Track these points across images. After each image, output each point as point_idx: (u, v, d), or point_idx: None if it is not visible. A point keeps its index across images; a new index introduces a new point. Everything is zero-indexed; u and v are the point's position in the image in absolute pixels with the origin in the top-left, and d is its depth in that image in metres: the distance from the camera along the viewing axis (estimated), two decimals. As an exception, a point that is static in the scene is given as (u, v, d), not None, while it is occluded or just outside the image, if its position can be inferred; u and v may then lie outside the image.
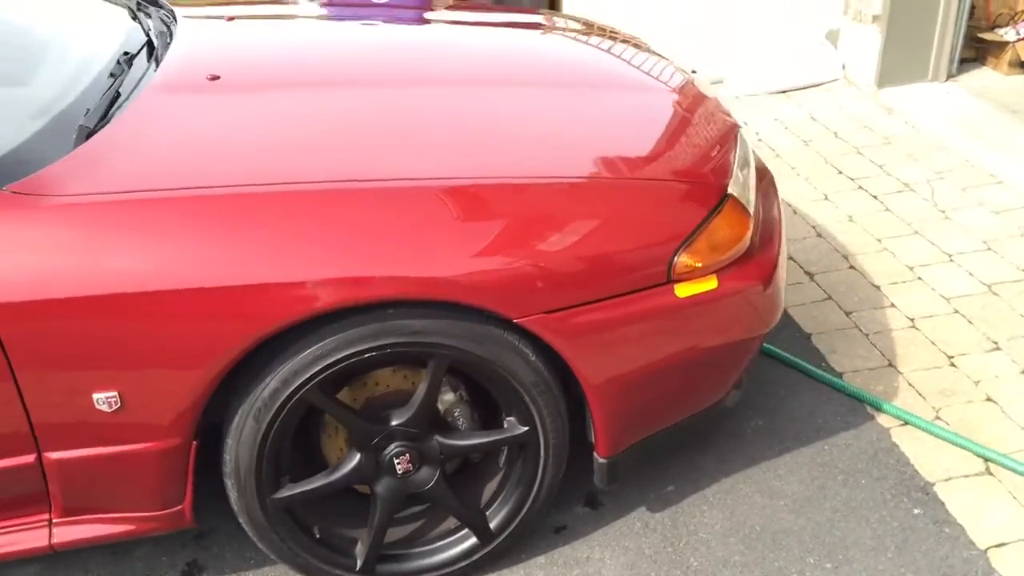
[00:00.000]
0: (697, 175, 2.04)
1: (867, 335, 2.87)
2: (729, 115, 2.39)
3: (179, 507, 1.94)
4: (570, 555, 2.19)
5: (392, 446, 1.98)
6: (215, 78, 2.21)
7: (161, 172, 1.83)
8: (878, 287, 3.10)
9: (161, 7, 2.64)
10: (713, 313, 2.00)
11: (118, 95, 2.03)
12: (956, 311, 2.94)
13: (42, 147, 1.84)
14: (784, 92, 4.84)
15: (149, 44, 2.33)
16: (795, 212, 3.60)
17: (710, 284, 1.98)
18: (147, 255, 1.72)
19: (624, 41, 2.77)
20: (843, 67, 4.93)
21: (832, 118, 4.44)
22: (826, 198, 3.70)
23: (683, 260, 1.94)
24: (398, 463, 1.99)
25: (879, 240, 3.37)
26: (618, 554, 2.18)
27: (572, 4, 5.45)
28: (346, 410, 1.93)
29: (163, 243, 1.73)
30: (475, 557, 2.10)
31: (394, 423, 1.96)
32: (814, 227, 3.49)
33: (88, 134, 1.89)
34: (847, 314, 2.97)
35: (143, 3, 2.63)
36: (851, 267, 3.22)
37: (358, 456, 1.98)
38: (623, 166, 2.01)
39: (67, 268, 1.69)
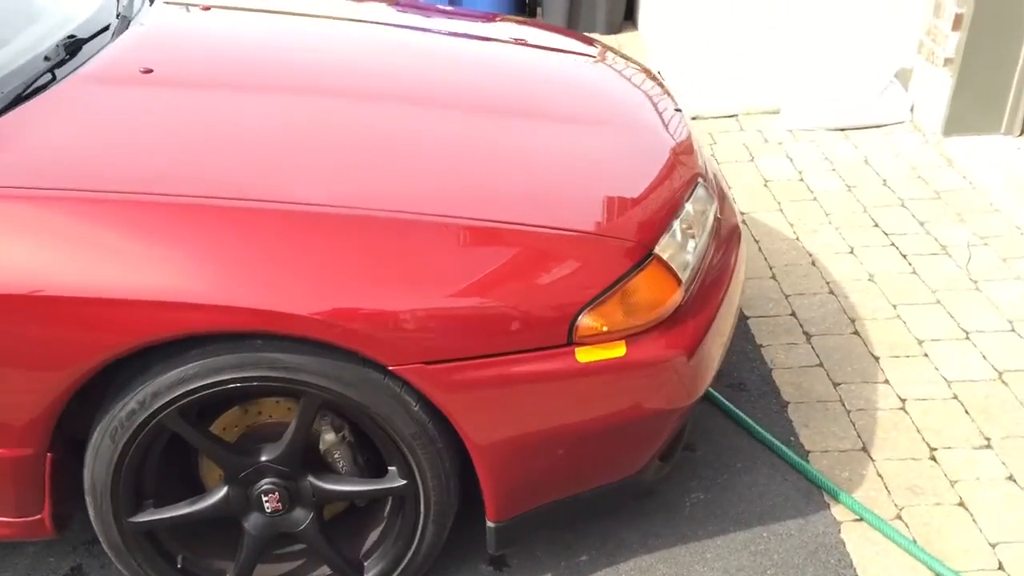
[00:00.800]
0: (619, 230, 1.85)
1: (849, 412, 2.63)
2: (696, 163, 2.18)
3: (37, 516, 1.86)
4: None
5: (263, 482, 1.86)
6: (148, 71, 2.12)
7: (34, 168, 1.74)
8: (877, 359, 2.84)
9: None
10: (620, 382, 1.82)
11: (35, 81, 1.95)
12: (955, 397, 2.67)
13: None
14: (842, 130, 4.55)
15: (105, 29, 2.26)
16: (813, 264, 3.35)
17: (617, 351, 1.80)
18: (2, 253, 1.63)
19: (630, 72, 2.57)
20: (911, 110, 4.60)
21: (886, 163, 4.14)
22: (852, 252, 3.43)
23: (587, 322, 1.76)
24: (266, 500, 1.87)
25: (894, 306, 3.10)
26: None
27: (646, 22, 5.27)
28: (209, 440, 1.82)
29: (19, 242, 1.64)
30: (345, 609, 1.97)
31: (264, 458, 1.84)
32: (828, 283, 3.24)
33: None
34: (835, 385, 2.73)
35: None
36: (855, 332, 2.97)
37: (226, 488, 1.86)
38: (533, 211, 1.83)
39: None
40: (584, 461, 1.92)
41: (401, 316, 1.68)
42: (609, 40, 5.82)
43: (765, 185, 3.96)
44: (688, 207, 2.05)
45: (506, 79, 2.40)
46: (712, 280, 2.03)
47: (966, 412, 2.62)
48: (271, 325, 1.65)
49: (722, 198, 2.30)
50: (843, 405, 2.65)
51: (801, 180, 4.01)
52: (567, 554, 2.19)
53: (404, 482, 1.85)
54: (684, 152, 2.20)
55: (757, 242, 3.52)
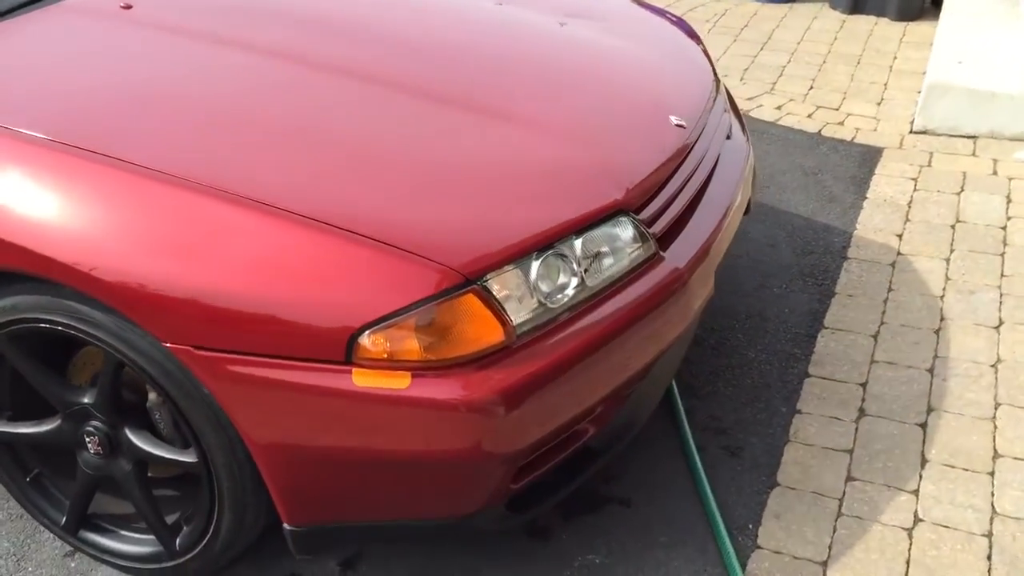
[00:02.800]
0: (436, 250, 1.63)
1: (839, 516, 2.18)
2: (617, 192, 1.86)
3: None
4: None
5: (88, 423, 1.90)
6: (128, 7, 2.18)
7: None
8: (925, 462, 2.33)
9: None
10: (400, 417, 1.63)
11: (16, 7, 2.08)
12: (988, 534, 2.13)
13: None
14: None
15: None
16: (936, 332, 2.79)
17: (400, 382, 1.61)
18: None
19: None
20: None
21: None
22: (997, 328, 2.82)
23: (368, 343, 1.59)
24: (88, 442, 1.91)
25: (998, 405, 2.51)
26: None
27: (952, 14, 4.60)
28: (38, 369, 1.87)
29: None
30: (158, 566, 1.98)
31: (85, 400, 1.87)
32: (936, 358, 2.68)
33: None
34: (847, 480, 2.28)
35: None
36: (921, 424, 2.45)
37: (59, 420, 1.93)
38: (350, 210, 1.66)
39: None
40: (383, 490, 1.75)
41: (175, 294, 1.61)
42: (895, 30, 5.12)
43: (952, 226, 3.34)
44: (577, 244, 1.76)
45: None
46: (587, 335, 1.74)
47: (988, 557, 2.07)
48: (62, 277, 1.65)
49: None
50: (839, 506, 2.21)
51: (1001, 229, 3.33)
52: (427, 569, 2.04)
53: (196, 460, 1.80)
54: (607, 173, 1.88)
55: (891, 291, 2.99)
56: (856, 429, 2.44)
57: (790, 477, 2.29)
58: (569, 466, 1.96)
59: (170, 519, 1.95)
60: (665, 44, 2.48)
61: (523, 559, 2.07)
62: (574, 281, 1.76)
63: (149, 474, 1.97)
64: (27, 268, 1.69)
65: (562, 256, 1.75)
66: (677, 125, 2.10)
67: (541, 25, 2.42)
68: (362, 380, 1.61)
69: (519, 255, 1.68)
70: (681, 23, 2.68)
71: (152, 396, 1.87)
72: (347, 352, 1.60)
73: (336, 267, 1.60)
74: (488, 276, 1.64)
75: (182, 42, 2.11)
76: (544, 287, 1.72)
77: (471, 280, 1.62)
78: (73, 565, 2.07)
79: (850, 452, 2.37)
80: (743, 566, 2.06)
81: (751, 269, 3.09)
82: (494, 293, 1.64)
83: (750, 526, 2.16)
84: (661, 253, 1.93)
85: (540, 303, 1.71)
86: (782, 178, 3.64)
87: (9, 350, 1.85)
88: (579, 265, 1.77)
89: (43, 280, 1.72)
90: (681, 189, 2.05)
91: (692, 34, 2.63)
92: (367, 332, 1.59)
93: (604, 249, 1.81)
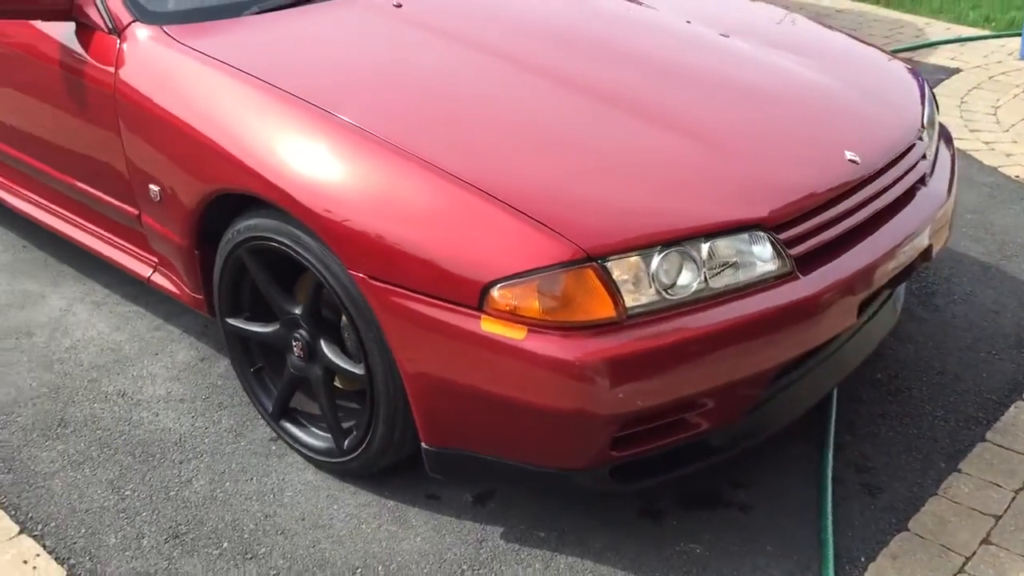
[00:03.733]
0: (568, 227, 1.89)
1: (963, 572, 2.17)
2: (760, 210, 2.02)
3: (199, 296, 2.61)
4: (398, 513, 2.32)
5: (297, 331, 2.36)
6: (398, 6, 2.64)
7: (245, 51, 2.40)
8: (1069, 545, 2.24)
9: None
10: (515, 365, 1.91)
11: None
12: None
13: (215, 11, 2.55)
14: None
15: None
16: None
17: (517, 334, 1.89)
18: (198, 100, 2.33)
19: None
20: None
21: None
22: None
23: (498, 296, 1.89)
24: (295, 346, 2.36)
25: None
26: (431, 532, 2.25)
27: None
28: (267, 280, 2.35)
29: (206, 95, 2.33)
30: (328, 459, 2.39)
31: (296, 311, 2.33)
32: None
33: (263, 9, 2.56)
34: (982, 542, 2.26)
35: None
36: (1088, 511, 2.35)
37: (278, 325, 2.40)
38: (496, 179, 1.97)
39: (169, 95, 2.40)
40: (498, 429, 2.03)
41: (363, 230, 2.01)
42: None
43: None
44: (704, 247, 1.95)
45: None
46: (693, 329, 1.92)
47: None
48: (292, 208, 2.11)
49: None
50: (964, 563, 2.19)
51: None
52: (534, 522, 2.30)
53: (363, 375, 2.19)
54: (755, 190, 2.04)
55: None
56: (1014, 499, 2.38)
57: (923, 527, 2.29)
58: (684, 456, 2.14)
59: (345, 425, 2.35)
60: (870, 86, 2.55)
61: (630, 532, 2.27)
62: (696, 280, 1.95)
63: (336, 384, 2.38)
64: (272, 197, 2.15)
65: (689, 256, 1.95)
66: (850, 160, 2.20)
67: (742, 51, 2.60)
68: (488, 326, 1.91)
69: (642, 245, 1.90)
70: (912, 72, 2.73)
71: (344, 319, 2.28)
72: (480, 300, 1.91)
73: (482, 228, 1.91)
74: (609, 258, 1.88)
75: (435, 39, 2.53)
76: (664, 279, 1.93)
77: (592, 258, 1.87)
78: (273, 448, 2.54)
79: (997, 518, 2.32)
80: (839, 594, 2.11)
81: (964, 330, 3.03)
82: (612, 274, 1.88)
83: (862, 559, 2.20)
84: (798, 273, 2.05)
85: (658, 292, 1.91)
86: (1034, 249, 3.48)
87: (249, 261, 2.33)
88: (703, 266, 1.95)
89: (279, 209, 2.18)
90: (839, 220, 2.15)
91: (914, 83, 2.67)
92: (498, 286, 1.89)
93: (734, 257, 1.98)
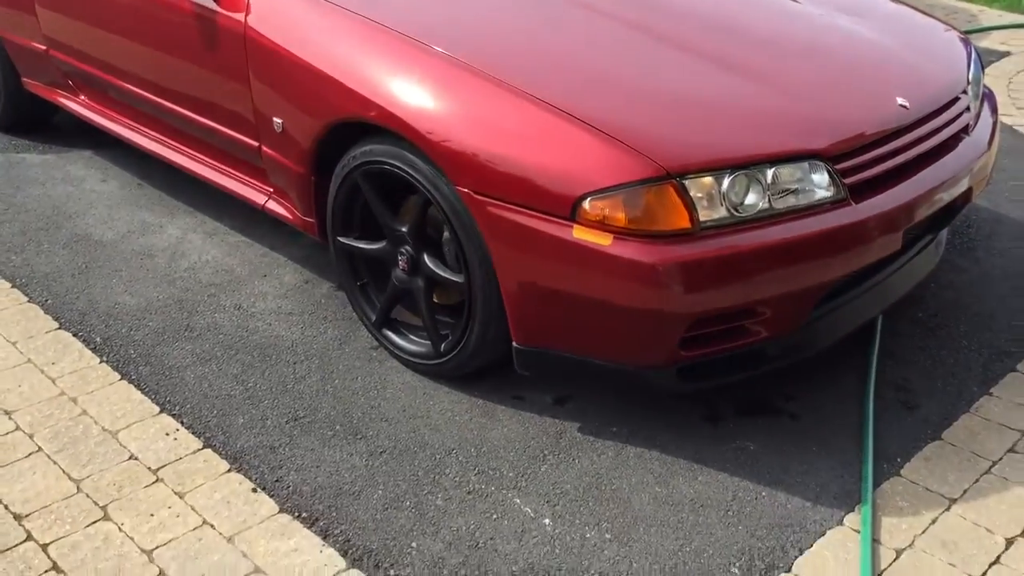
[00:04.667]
0: (651, 147, 2.19)
1: (990, 473, 2.44)
2: (817, 142, 2.31)
3: (311, 219, 2.94)
4: (487, 409, 2.63)
5: (402, 247, 2.69)
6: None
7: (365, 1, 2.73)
8: (1087, 456, 2.50)
9: None
10: (602, 267, 2.22)
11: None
12: (1120, 523, 2.30)
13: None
14: None
15: None
16: None
17: (604, 240, 2.20)
18: (328, 46, 2.67)
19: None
20: None
21: None
22: None
23: (588, 207, 2.20)
24: (400, 260, 2.69)
25: None
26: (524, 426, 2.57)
27: None
28: (378, 201, 2.68)
29: (335, 38, 2.65)
30: (425, 362, 2.72)
31: (403, 229, 2.66)
32: None
33: None
34: (1008, 451, 2.52)
35: None
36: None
37: (385, 242, 2.73)
38: (597, 107, 2.28)
39: (293, 36, 2.73)
40: (583, 327, 2.34)
41: (468, 151, 2.33)
42: None
43: None
44: (769, 172, 2.24)
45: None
46: (763, 243, 2.22)
47: (1111, 539, 2.26)
48: (406, 133, 2.43)
49: None
50: (991, 466, 2.46)
51: None
52: (608, 421, 2.61)
53: (463, 282, 2.51)
54: (815, 125, 2.33)
55: None
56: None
57: (955, 437, 2.57)
58: (741, 361, 2.43)
59: (442, 332, 2.68)
60: (922, 46, 2.82)
61: (692, 432, 2.57)
62: (762, 200, 2.24)
63: (434, 299, 2.71)
64: (387, 124, 2.48)
65: (756, 179, 2.24)
66: (901, 105, 2.48)
67: (810, 13, 2.90)
68: (579, 234, 2.22)
69: (715, 167, 2.20)
70: (961, 38, 2.99)
71: (445, 235, 2.60)
72: (572, 211, 2.22)
73: (576, 148, 2.22)
74: (687, 176, 2.18)
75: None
76: (733, 198, 2.22)
77: (672, 175, 2.17)
78: (374, 354, 2.87)
79: (1023, 433, 2.59)
80: (878, 485, 2.40)
81: (1001, 280, 3.28)
82: (688, 191, 2.18)
83: (898, 459, 2.49)
84: (851, 201, 2.33)
85: (727, 210, 2.21)
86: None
87: (364, 184, 2.66)
88: (768, 189, 2.24)
89: (393, 134, 2.51)
90: (889, 157, 2.43)
91: (962, 46, 2.93)
92: (588, 198, 2.19)
93: (795, 183, 2.27)
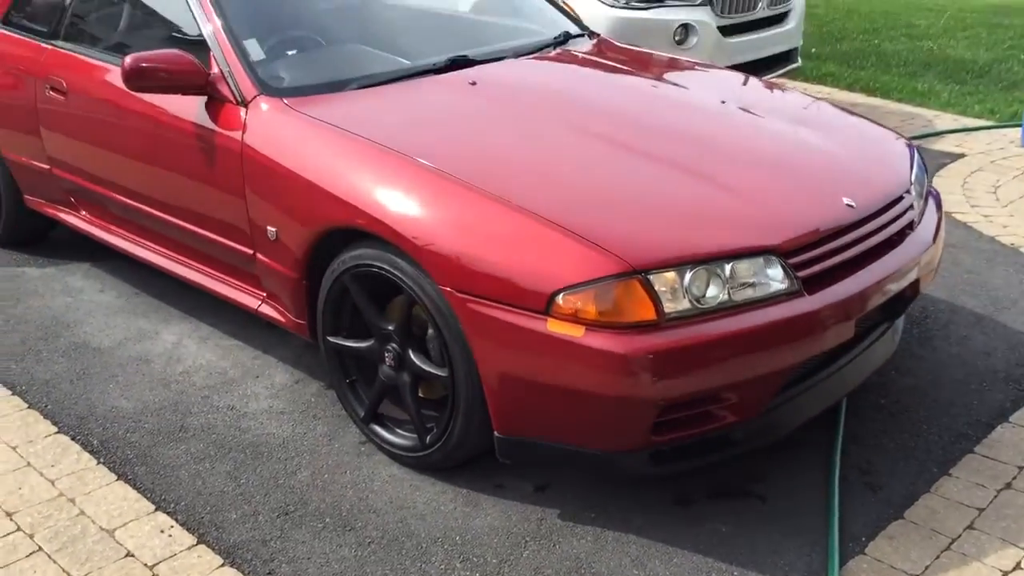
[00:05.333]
0: (617, 246, 2.38)
1: (949, 549, 2.57)
2: (773, 238, 2.50)
3: (302, 321, 3.11)
4: (470, 498, 2.75)
5: (388, 344, 2.85)
6: (473, 83, 3.21)
7: (356, 116, 2.98)
8: (1042, 530, 2.64)
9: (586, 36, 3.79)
10: (575, 357, 2.38)
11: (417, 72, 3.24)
12: (1074, 592, 2.42)
13: (324, 87, 3.13)
14: None
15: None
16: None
17: (576, 332, 2.37)
18: (320, 160, 2.88)
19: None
20: None
21: None
22: None
23: (562, 302, 2.38)
24: (387, 356, 2.85)
25: None
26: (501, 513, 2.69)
27: None
28: (366, 301, 2.85)
29: (326, 153, 2.87)
30: (411, 454, 2.85)
31: (390, 327, 2.83)
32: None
33: (362, 85, 3.13)
34: (967, 528, 2.66)
35: (580, 35, 3.75)
36: (1060, 506, 2.74)
37: (372, 340, 2.90)
38: (566, 212, 2.48)
39: (288, 152, 2.94)
40: (558, 415, 2.49)
41: (450, 253, 2.51)
42: None
43: None
44: (728, 267, 2.43)
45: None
46: (719, 331, 2.39)
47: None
48: (393, 239, 2.62)
49: None
50: (950, 543, 2.59)
51: None
52: (586, 505, 2.73)
53: (446, 375, 2.66)
54: (768, 225, 2.53)
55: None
56: (996, 495, 2.78)
57: (917, 515, 2.70)
58: (710, 445, 2.58)
59: (427, 425, 2.82)
60: (868, 151, 3.07)
61: (665, 515, 2.69)
62: (721, 293, 2.43)
63: (420, 394, 2.86)
64: (375, 229, 2.67)
65: (716, 273, 2.43)
66: (847, 204, 2.70)
67: (761, 122, 3.15)
68: (553, 327, 2.39)
69: (677, 263, 2.39)
70: (905, 143, 3.24)
71: (430, 332, 2.77)
72: (547, 306, 2.39)
73: (550, 247, 2.41)
74: (651, 272, 2.37)
75: (501, 107, 3.09)
76: (695, 291, 2.41)
77: (638, 271, 2.36)
78: (363, 449, 3.00)
79: (981, 510, 2.72)
80: (844, 564, 2.52)
81: (959, 367, 3.45)
82: (653, 285, 2.36)
83: (863, 538, 2.61)
84: (804, 292, 2.52)
85: (691, 302, 2.39)
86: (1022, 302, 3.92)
87: (352, 286, 2.84)
88: (727, 283, 2.43)
89: (380, 239, 2.69)
90: (839, 252, 2.64)
91: (905, 150, 3.18)
92: (562, 293, 2.37)
93: (752, 277, 2.46)
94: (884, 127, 3.41)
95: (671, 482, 2.80)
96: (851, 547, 2.58)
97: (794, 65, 6.11)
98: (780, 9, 5.81)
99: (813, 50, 8.02)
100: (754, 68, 5.49)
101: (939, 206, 3.21)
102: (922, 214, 3.03)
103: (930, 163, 5.36)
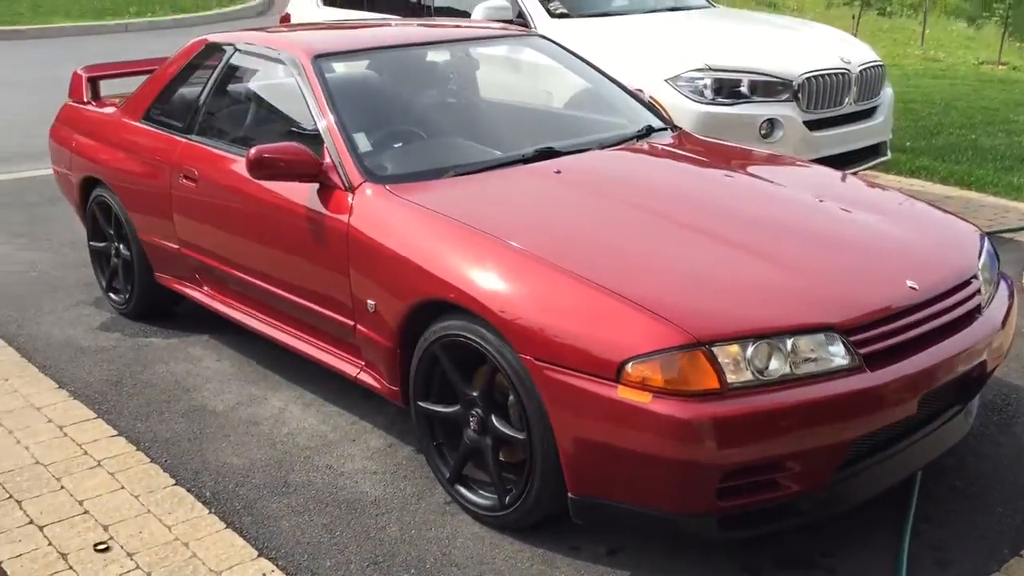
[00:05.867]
0: (683, 319, 2.58)
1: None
2: (832, 315, 2.66)
3: (396, 388, 3.38)
4: (546, 558, 2.92)
5: (472, 410, 3.08)
6: (558, 172, 3.49)
7: (448, 204, 3.26)
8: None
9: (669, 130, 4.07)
10: (643, 422, 2.56)
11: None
12: None
13: (422, 175, 3.45)
14: None
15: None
16: None
17: (644, 398, 2.56)
18: (417, 240, 3.18)
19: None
20: None
21: None
22: None
23: (631, 370, 2.58)
24: (471, 421, 3.08)
25: None
26: None
27: None
28: (453, 369, 3.10)
29: (422, 234, 3.17)
30: (492, 514, 3.04)
31: (474, 394, 3.06)
32: None
33: (457, 173, 3.44)
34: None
35: (663, 128, 4.05)
36: None
37: (459, 406, 3.14)
38: (634, 289, 2.69)
39: (388, 232, 3.25)
40: (629, 477, 2.65)
41: (529, 325, 2.75)
42: None
43: None
44: (789, 342, 2.60)
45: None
46: (783, 404, 2.55)
47: None
48: (480, 311, 2.87)
49: None
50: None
51: None
52: (655, 570, 2.87)
53: (525, 438, 2.87)
54: (832, 304, 2.70)
55: None
56: (1066, 581, 2.80)
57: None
58: (777, 513, 2.71)
59: (507, 487, 3.02)
60: (934, 236, 3.21)
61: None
62: (783, 366, 2.59)
63: (501, 457, 3.06)
64: (464, 303, 2.92)
65: (777, 347, 2.60)
66: (911, 287, 2.84)
67: (832, 210, 3.32)
68: (623, 393, 2.58)
69: (740, 336, 2.57)
70: (977, 233, 3.37)
71: (511, 398, 2.99)
72: (617, 373, 2.59)
73: (622, 320, 2.62)
74: (715, 344, 2.55)
75: (582, 193, 3.35)
76: (758, 363, 2.57)
77: (702, 343, 2.54)
78: (447, 508, 3.21)
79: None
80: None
81: (1040, 452, 3.48)
82: (717, 356, 2.54)
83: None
84: (866, 369, 2.66)
85: (753, 374, 2.56)
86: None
87: (441, 354, 3.09)
88: (788, 357, 2.59)
89: (468, 312, 2.95)
90: (901, 332, 2.77)
91: (975, 238, 3.30)
92: (631, 362, 2.57)
93: (812, 351, 2.61)
94: (953, 214, 3.54)
95: (739, 550, 2.91)
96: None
97: (883, 158, 6.23)
98: (868, 104, 5.96)
99: (908, 144, 8.09)
100: (842, 161, 5.63)
101: (1012, 293, 3.30)
102: (991, 299, 3.13)
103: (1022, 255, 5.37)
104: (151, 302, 4.77)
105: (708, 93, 5.41)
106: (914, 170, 7.42)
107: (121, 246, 4.78)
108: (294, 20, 7.51)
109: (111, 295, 4.94)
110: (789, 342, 2.60)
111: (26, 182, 7.43)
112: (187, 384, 4.16)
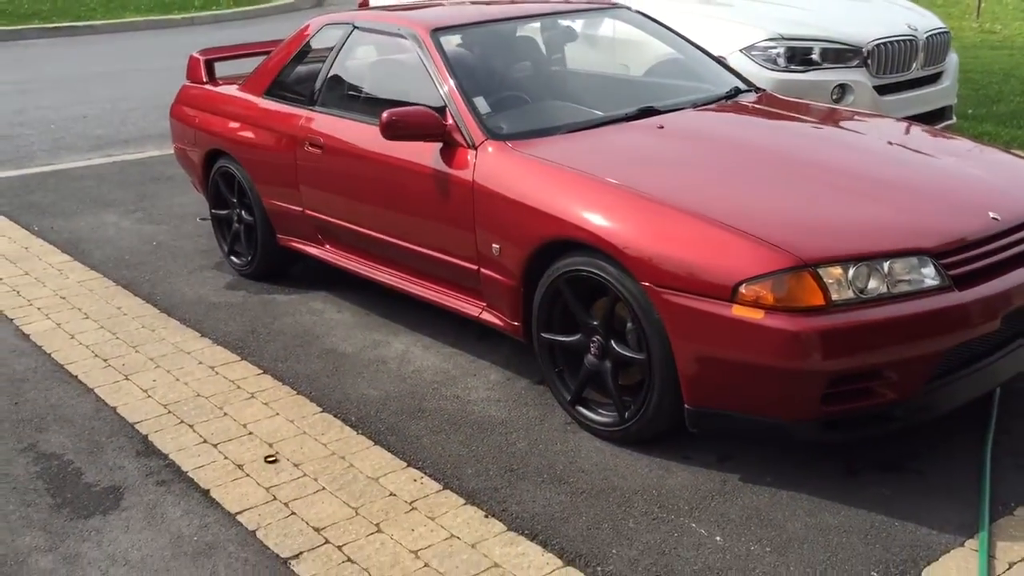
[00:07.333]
0: (791, 244, 2.93)
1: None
2: (928, 242, 3.00)
3: (517, 323, 3.77)
4: (663, 464, 3.29)
5: (593, 336, 3.46)
6: (661, 127, 3.86)
7: (564, 156, 3.64)
8: None
9: (753, 91, 4.40)
10: (756, 336, 2.92)
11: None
12: None
13: (538, 132, 3.83)
14: None
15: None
16: None
17: (756, 315, 2.92)
18: (539, 188, 3.56)
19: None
20: None
21: None
22: None
23: (744, 290, 2.93)
24: (592, 347, 3.46)
25: None
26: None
27: None
28: (576, 302, 3.48)
29: (545, 182, 3.55)
30: (612, 429, 3.42)
31: (595, 323, 3.44)
32: None
33: (568, 131, 3.82)
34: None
35: (748, 90, 4.38)
36: None
37: (579, 335, 3.52)
38: (749, 222, 3.04)
39: (512, 183, 3.64)
40: (741, 387, 3.01)
41: (649, 255, 3.12)
42: None
43: None
44: (886, 265, 2.94)
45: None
46: (887, 317, 2.89)
47: None
48: (601, 246, 3.25)
49: None
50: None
51: None
52: (764, 472, 3.23)
53: (644, 358, 3.25)
54: (922, 231, 3.03)
55: None
56: None
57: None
58: (874, 419, 3.05)
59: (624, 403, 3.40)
60: (1009, 175, 3.53)
61: (835, 479, 3.15)
62: (881, 286, 2.93)
63: (620, 382, 3.44)
64: (586, 239, 3.30)
65: (876, 269, 2.94)
66: (993, 217, 3.17)
67: (913, 155, 3.68)
68: (737, 311, 2.94)
69: (842, 259, 2.91)
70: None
71: (629, 325, 3.36)
72: (732, 294, 2.95)
73: (733, 248, 2.98)
74: (820, 266, 2.90)
75: (687, 143, 3.73)
76: (858, 284, 2.92)
77: (808, 265, 2.89)
78: (568, 428, 3.59)
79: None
80: (993, 521, 2.91)
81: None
82: (822, 277, 2.89)
83: (1011, 503, 3.00)
84: (955, 288, 3.00)
85: (854, 293, 2.91)
86: None
87: (565, 288, 3.47)
88: (885, 278, 2.93)
89: (589, 247, 3.32)
90: (985, 256, 3.10)
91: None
92: (744, 284, 2.93)
93: (907, 273, 2.95)
94: (1021, 156, 3.85)
95: (840, 454, 3.26)
96: (1000, 509, 2.97)
97: (949, 122, 6.50)
98: (934, 69, 6.24)
99: (970, 111, 8.32)
100: (910, 124, 5.91)
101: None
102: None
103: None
104: (272, 263, 5.21)
105: (781, 61, 5.73)
106: (977, 135, 7.65)
107: (244, 212, 5.22)
108: (372, 4, 7.88)
109: (232, 258, 5.39)
110: (886, 265, 2.94)
111: (124, 164, 7.95)
112: (315, 332, 4.59)
